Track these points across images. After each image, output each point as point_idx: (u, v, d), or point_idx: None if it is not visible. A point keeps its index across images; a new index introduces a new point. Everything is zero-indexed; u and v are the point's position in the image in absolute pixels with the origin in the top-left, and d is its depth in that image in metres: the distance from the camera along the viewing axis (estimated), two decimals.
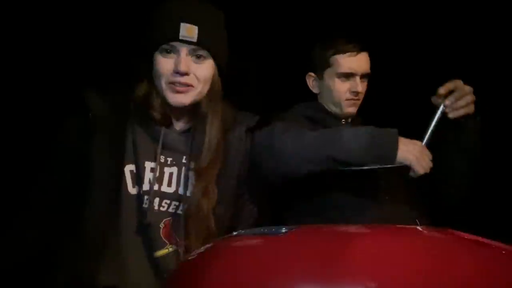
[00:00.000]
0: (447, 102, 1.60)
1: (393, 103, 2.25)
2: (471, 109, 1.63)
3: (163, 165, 1.50)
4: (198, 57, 1.46)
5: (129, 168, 1.47)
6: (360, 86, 1.87)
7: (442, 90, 1.62)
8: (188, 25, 1.43)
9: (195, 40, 1.44)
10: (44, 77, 2.01)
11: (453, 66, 2.24)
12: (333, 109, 1.91)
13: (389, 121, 2.09)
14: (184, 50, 1.44)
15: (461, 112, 1.61)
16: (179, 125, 1.54)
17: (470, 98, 1.62)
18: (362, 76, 1.88)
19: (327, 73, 1.90)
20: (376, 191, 1.69)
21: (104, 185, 1.43)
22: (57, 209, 1.47)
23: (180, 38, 1.43)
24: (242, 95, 1.63)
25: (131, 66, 1.57)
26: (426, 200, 1.76)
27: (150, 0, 1.55)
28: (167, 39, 1.44)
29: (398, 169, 1.52)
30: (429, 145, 1.58)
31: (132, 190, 1.47)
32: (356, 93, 1.87)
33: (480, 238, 0.96)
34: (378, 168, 1.51)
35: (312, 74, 1.95)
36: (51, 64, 2.01)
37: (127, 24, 2.02)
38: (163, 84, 1.46)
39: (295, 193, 1.72)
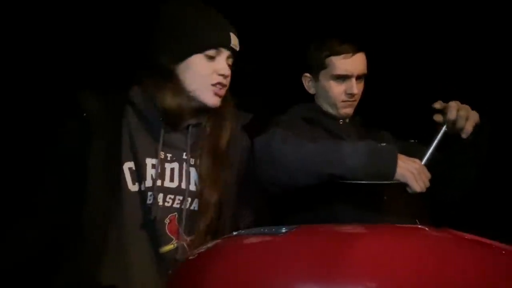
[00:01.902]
0: (450, 116, 1.58)
1: (392, 101, 2.25)
2: (476, 117, 1.60)
3: (163, 161, 1.51)
4: (229, 63, 1.55)
5: (127, 166, 1.48)
6: (356, 88, 1.84)
7: (438, 104, 1.61)
8: (234, 35, 1.54)
9: (237, 49, 1.55)
10: (39, 79, 2.01)
11: (451, 63, 2.25)
12: (329, 110, 1.90)
13: (388, 119, 2.10)
14: (225, 55, 1.53)
15: (470, 125, 1.59)
16: (180, 123, 1.55)
17: (467, 106, 1.60)
18: (358, 77, 1.85)
19: (322, 74, 1.87)
20: (377, 203, 1.68)
21: (103, 184, 1.43)
22: (56, 210, 1.47)
23: (231, 46, 1.53)
24: (240, 96, 1.64)
25: (128, 65, 1.58)
26: (426, 205, 1.75)
27: (148, 1, 1.56)
28: (218, 45, 1.51)
29: (394, 185, 1.51)
30: (429, 165, 1.56)
31: (132, 187, 1.48)
32: (352, 95, 1.85)
33: (480, 238, 0.96)
34: (374, 183, 1.51)
35: (308, 75, 1.93)
36: (46, 66, 2.01)
37: (124, 23, 2.02)
38: (203, 86, 1.51)
39: (294, 203, 1.71)
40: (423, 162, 1.56)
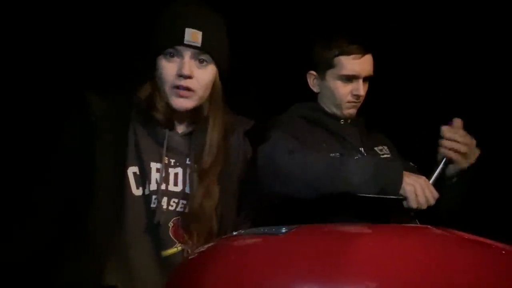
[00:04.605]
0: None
1: (396, 102, 2.25)
2: (462, 162, 1.59)
3: (167, 166, 1.51)
4: (201, 61, 1.48)
5: (132, 170, 1.48)
6: (362, 90, 1.83)
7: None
8: (193, 30, 1.46)
9: (199, 45, 1.46)
10: (46, 80, 2.01)
11: (454, 64, 2.24)
12: (333, 110, 1.89)
13: (391, 121, 2.10)
14: (188, 54, 1.46)
15: (451, 154, 1.58)
16: (181, 128, 1.56)
17: (467, 149, 1.58)
18: (365, 79, 1.85)
19: (329, 73, 1.85)
20: (379, 215, 1.66)
21: (107, 187, 1.43)
22: (61, 211, 1.47)
23: (185, 42, 1.45)
24: (243, 95, 1.63)
25: (133, 69, 1.58)
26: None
27: (152, 3, 1.55)
28: (172, 43, 1.46)
29: (394, 200, 1.49)
30: (435, 185, 1.54)
31: (136, 191, 1.48)
32: (358, 96, 1.84)
33: (480, 238, 0.96)
34: (374, 197, 1.48)
35: (313, 72, 1.91)
36: (53, 67, 2.01)
37: (129, 26, 2.02)
38: (167, 88, 1.48)
39: (294, 213, 1.70)
40: (430, 181, 1.55)
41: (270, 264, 0.90)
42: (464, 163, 1.60)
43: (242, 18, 1.61)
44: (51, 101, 1.96)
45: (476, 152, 1.61)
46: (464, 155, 1.58)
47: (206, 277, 0.95)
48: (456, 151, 1.57)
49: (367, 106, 1.92)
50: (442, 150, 1.59)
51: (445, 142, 1.58)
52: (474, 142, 1.60)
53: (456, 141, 1.57)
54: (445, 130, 1.59)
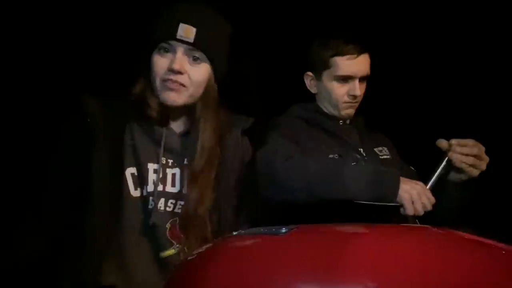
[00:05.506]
0: (455, 147, 1.58)
1: (395, 102, 2.25)
2: (473, 172, 1.60)
3: (165, 166, 1.51)
4: (195, 59, 1.48)
5: (130, 171, 1.48)
6: (359, 90, 1.82)
7: (454, 140, 1.59)
8: (186, 25, 1.45)
9: (191, 40, 1.45)
10: (42, 82, 2.01)
11: (454, 64, 2.24)
12: (331, 110, 1.88)
13: (391, 121, 2.10)
14: (180, 49, 1.46)
15: (462, 165, 1.58)
16: (178, 127, 1.55)
17: (474, 160, 1.58)
18: (361, 79, 1.84)
19: (325, 74, 1.85)
20: (379, 220, 1.66)
21: (105, 189, 1.44)
22: (60, 213, 1.47)
23: (177, 37, 1.45)
24: (242, 96, 1.63)
25: (130, 68, 1.58)
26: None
27: (148, 3, 1.55)
28: (165, 37, 1.46)
29: (391, 207, 1.48)
30: (433, 190, 1.54)
31: (134, 193, 1.48)
32: (354, 97, 1.83)
33: (480, 238, 0.96)
34: (371, 204, 1.48)
35: (310, 73, 1.90)
36: (49, 70, 2.01)
37: (126, 27, 2.02)
38: (158, 82, 1.47)
39: (293, 218, 1.69)
40: (428, 187, 1.54)
41: (270, 264, 0.90)
42: (474, 172, 1.61)
43: (240, 20, 1.60)
44: (47, 104, 1.96)
45: (486, 159, 1.61)
46: (473, 165, 1.59)
47: (205, 277, 0.95)
48: (465, 162, 1.58)
49: (366, 106, 1.92)
50: (453, 156, 1.59)
51: (453, 155, 1.58)
52: (483, 149, 1.60)
53: (462, 153, 1.58)
54: (453, 142, 1.59)
